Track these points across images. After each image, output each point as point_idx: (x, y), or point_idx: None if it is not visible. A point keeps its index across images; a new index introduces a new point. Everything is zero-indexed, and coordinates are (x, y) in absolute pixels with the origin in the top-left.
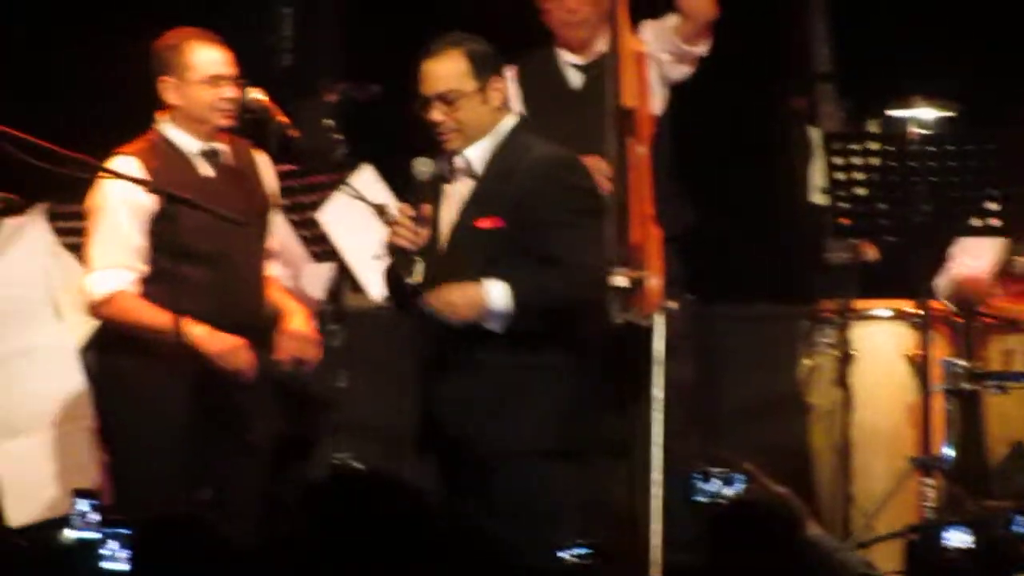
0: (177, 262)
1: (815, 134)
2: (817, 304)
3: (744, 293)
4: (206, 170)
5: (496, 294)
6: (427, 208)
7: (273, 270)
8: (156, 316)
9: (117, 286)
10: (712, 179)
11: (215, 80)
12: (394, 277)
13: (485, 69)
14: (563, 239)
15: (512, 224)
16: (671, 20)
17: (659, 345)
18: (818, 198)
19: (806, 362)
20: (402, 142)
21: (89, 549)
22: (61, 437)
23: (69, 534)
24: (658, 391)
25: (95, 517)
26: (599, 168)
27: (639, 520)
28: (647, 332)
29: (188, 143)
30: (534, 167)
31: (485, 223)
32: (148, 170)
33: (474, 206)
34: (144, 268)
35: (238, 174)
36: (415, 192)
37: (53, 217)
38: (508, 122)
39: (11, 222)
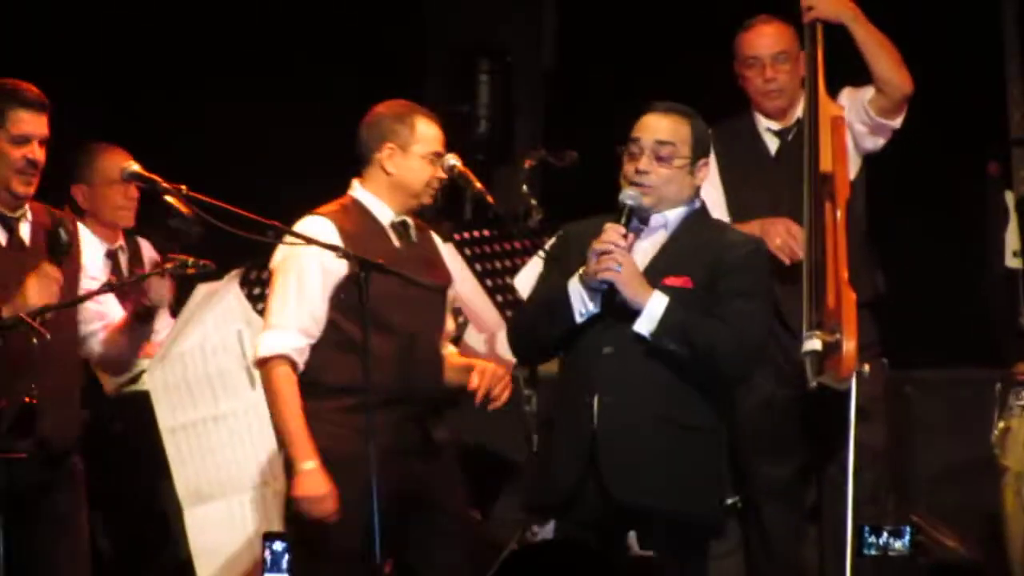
0: (362, 330)
1: (1010, 198)
2: (1011, 367)
3: (939, 357)
4: (396, 242)
5: (659, 297)
6: (631, 236)
7: (448, 348)
8: (291, 414)
9: (280, 349)
10: (908, 244)
11: (436, 157)
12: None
13: (701, 148)
14: (736, 307)
15: (699, 288)
16: (868, 92)
17: (852, 409)
18: (1013, 262)
19: (1000, 425)
20: (599, 208)
21: None
22: (252, 502)
23: None
24: (851, 454)
25: (288, 559)
26: (794, 232)
27: None
28: (841, 396)
29: (383, 212)
30: (734, 247)
31: (674, 281)
32: (341, 233)
33: (664, 263)
34: (318, 335)
35: (422, 249)
36: (619, 219)
37: (246, 283)
38: (698, 202)
39: (205, 287)
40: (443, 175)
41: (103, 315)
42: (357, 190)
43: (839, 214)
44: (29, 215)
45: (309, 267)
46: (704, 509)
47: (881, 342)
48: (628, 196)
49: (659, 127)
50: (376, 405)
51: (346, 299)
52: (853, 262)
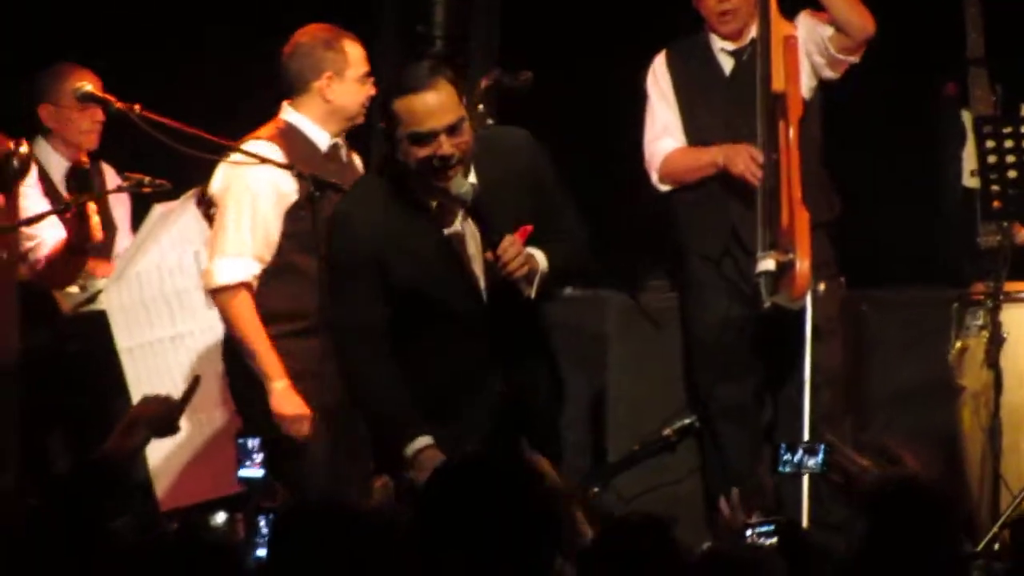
0: (307, 255)
1: (967, 118)
2: (968, 287)
3: (896, 277)
4: (332, 165)
5: (541, 257)
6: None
7: None
8: (257, 337)
9: (241, 277)
10: (864, 164)
11: (366, 78)
12: None
13: (461, 92)
14: (568, 210)
15: (535, 219)
16: (828, 29)
17: (808, 328)
18: (970, 182)
19: (957, 344)
20: (554, 128)
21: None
22: (209, 422)
23: (218, 518)
24: (806, 374)
25: (261, 456)
26: (755, 156)
27: (787, 502)
28: (797, 315)
29: (319, 136)
30: (525, 152)
31: (519, 236)
32: (288, 157)
33: (497, 224)
34: (269, 262)
35: (353, 169)
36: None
37: (203, 202)
38: None
39: (161, 207)
40: (373, 92)
41: (33, 236)
42: (290, 114)
43: (792, 133)
44: None
45: (262, 191)
46: None
47: (838, 261)
48: (463, 193)
49: (442, 108)
50: (316, 330)
51: (294, 224)
52: (808, 181)
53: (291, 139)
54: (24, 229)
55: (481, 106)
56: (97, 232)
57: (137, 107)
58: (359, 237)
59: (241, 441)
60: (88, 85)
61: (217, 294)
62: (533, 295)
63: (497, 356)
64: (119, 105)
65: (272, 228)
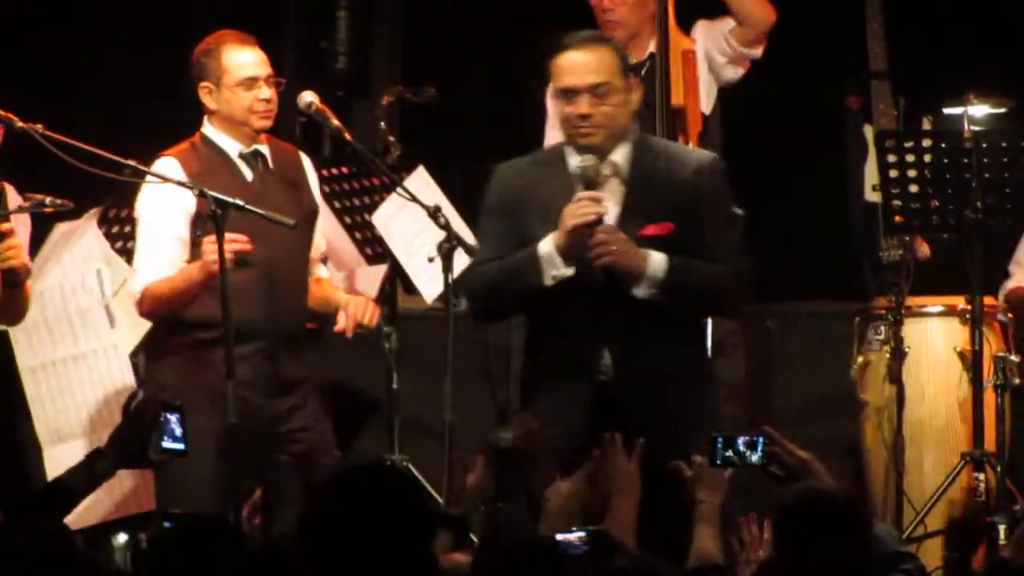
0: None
1: (869, 132)
2: (870, 301)
3: (798, 290)
4: (248, 172)
5: (656, 261)
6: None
7: (320, 272)
8: (180, 276)
9: (156, 277)
10: (768, 177)
11: (250, 83)
12: None
13: (627, 69)
14: (724, 240)
15: (682, 226)
16: (728, 23)
17: (709, 342)
18: (872, 196)
19: (859, 359)
20: (456, 144)
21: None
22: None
23: (120, 538)
24: None
25: (180, 430)
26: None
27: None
28: None
29: (229, 145)
30: (699, 169)
31: (655, 230)
32: (187, 172)
33: (634, 212)
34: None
35: (281, 177)
36: (584, 186)
37: (105, 221)
38: (636, 127)
39: (63, 227)
40: (266, 96)
41: None
42: (206, 126)
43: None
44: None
45: (160, 209)
46: None
47: None
48: (579, 167)
49: (588, 67)
50: (231, 339)
51: (200, 235)
52: None
53: (199, 152)
54: None
55: (383, 123)
56: (18, 253)
57: (40, 126)
58: (504, 186)
59: (164, 413)
60: None
61: (139, 306)
62: (640, 295)
63: (605, 334)
64: (22, 124)
65: (174, 242)
